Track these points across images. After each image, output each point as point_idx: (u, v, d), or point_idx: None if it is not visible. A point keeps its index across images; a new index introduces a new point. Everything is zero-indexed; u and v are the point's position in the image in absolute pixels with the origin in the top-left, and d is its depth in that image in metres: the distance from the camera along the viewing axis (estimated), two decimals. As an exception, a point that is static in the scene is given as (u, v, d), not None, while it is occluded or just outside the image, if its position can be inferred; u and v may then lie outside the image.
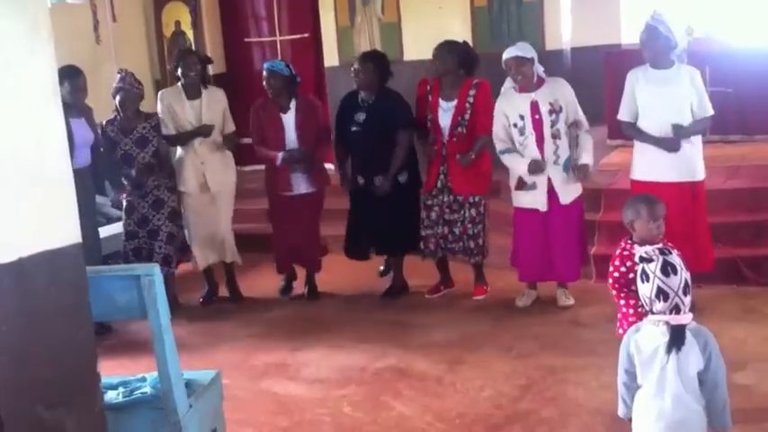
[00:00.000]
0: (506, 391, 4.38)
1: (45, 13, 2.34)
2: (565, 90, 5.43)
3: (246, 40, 9.35)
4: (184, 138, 6.07)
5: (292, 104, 6.02)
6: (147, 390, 3.19)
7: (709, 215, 5.28)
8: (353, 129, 5.91)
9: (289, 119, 6.01)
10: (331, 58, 8.89)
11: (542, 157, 5.38)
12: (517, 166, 5.46)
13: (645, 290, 2.80)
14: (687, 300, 2.76)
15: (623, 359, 2.89)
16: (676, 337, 2.73)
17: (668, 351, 2.73)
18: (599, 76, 7.58)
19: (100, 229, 6.37)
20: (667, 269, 2.75)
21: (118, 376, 3.38)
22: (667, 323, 2.75)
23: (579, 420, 4.00)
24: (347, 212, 6.17)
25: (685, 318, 2.75)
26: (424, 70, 6.05)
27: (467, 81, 5.70)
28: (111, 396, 3.15)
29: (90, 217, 5.56)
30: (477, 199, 5.77)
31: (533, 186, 5.43)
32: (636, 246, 3.50)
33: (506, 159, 5.51)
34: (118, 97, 5.85)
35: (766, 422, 3.88)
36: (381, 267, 6.44)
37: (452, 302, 5.93)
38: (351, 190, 6.09)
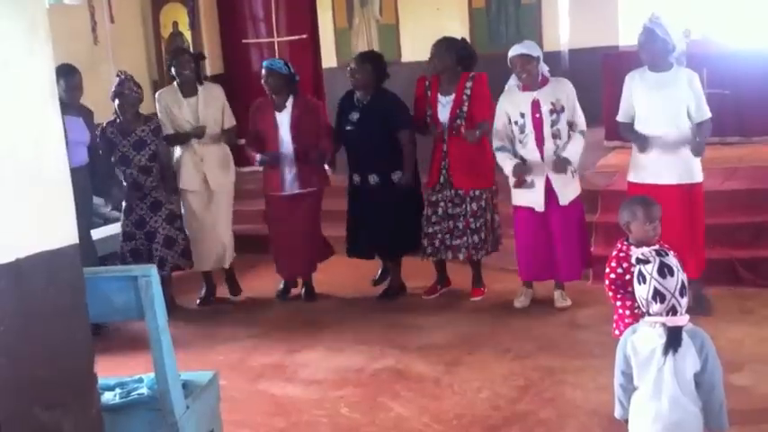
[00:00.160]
0: (504, 392, 4.38)
1: (43, 13, 2.34)
2: (568, 90, 5.43)
3: (244, 41, 9.35)
4: (181, 138, 6.08)
5: (289, 103, 6.02)
6: (144, 391, 3.19)
7: (707, 216, 5.28)
8: (348, 128, 5.95)
9: (284, 117, 6.01)
10: (329, 59, 8.90)
11: (541, 156, 5.39)
12: (504, 166, 5.48)
13: (641, 291, 2.80)
14: (684, 301, 2.76)
15: (620, 361, 2.90)
16: (673, 339, 2.73)
17: (665, 353, 2.74)
18: (597, 77, 7.59)
19: (98, 230, 6.38)
20: (664, 271, 2.76)
21: (115, 377, 3.38)
22: (664, 325, 2.75)
23: (577, 422, 4.00)
24: (346, 213, 6.17)
25: (682, 319, 2.76)
26: (421, 71, 6.06)
27: (464, 75, 5.72)
28: (108, 397, 3.15)
29: (86, 217, 5.56)
30: (477, 193, 5.76)
31: (531, 185, 5.44)
32: (632, 247, 3.50)
33: (498, 157, 5.53)
34: (117, 101, 5.85)
35: (763, 423, 3.89)
36: (378, 273, 6.37)
37: (450, 304, 5.93)
38: (348, 190, 6.09)
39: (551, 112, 5.37)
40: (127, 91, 5.83)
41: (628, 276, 3.40)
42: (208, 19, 9.29)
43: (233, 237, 6.30)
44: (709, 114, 5.07)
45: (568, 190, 5.45)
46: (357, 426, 4.16)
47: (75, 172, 2.53)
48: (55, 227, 2.33)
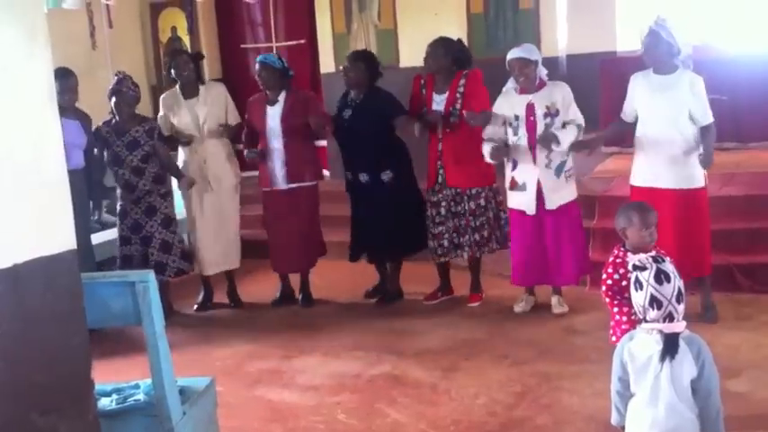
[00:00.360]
0: (501, 398, 4.38)
1: (42, 17, 2.35)
2: (563, 93, 5.43)
3: (243, 46, 9.36)
4: (171, 141, 6.12)
5: (281, 97, 6.03)
6: (141, 397, 3.19)
7: (705, 222, 5.29)
8: (342, 126, 6.00)
9: (274, 111, 6.02)
10: (327, 64, 8.90)
11: (534, 159, 5.40)
12: (485, 153, 5.47)
13: (638, 298, 2.80)
14: (680, 308, 2.76)
15: (617, 367, 2.90)
16: (670, 346, 2.73)
17: (662, 359, 2.74)
18: (594, 83, 7.59)
19: (96, 235, 6.38)
20: (660, 277, 2.76)
21: (111, 383, 3.37)
22: (661, 331, 2.75)
23: (573, 428, 4.00)
24: (348, 217, 6.21)
25: (679, 326, 2.76)
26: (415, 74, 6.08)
27: (458, 73, 5.74)
28: (105, 403, 3.15)
29: (83, 221, 5.55)
30: (475, 191, 5.77)
31: (524, 188, 5.45)
32: (629, 253, 3.51)
33: (483, 147, 5.52)
34: (113, 99, 5.85)
35: (760, 429, 3.89)
36: (373, 285, 6.35)
37: (447, 309, 5.93)
38: (346, 189, 6.13)
39: (545, 115, 5.38)
40: (125, 89, 5.84)
41: (624, 282, 3.40)
42: (206, 24, 9.30)
43: (238, 239, 6.31)
44: (710, 119, 5.05)
45: (557, 195, 5.44)
46: None
47: (71, 175, 2.53)
48: (53, 232, 2.33)
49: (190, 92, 6.14)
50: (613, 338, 3.64)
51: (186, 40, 9.19)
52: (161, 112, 6.21)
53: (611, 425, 3.04)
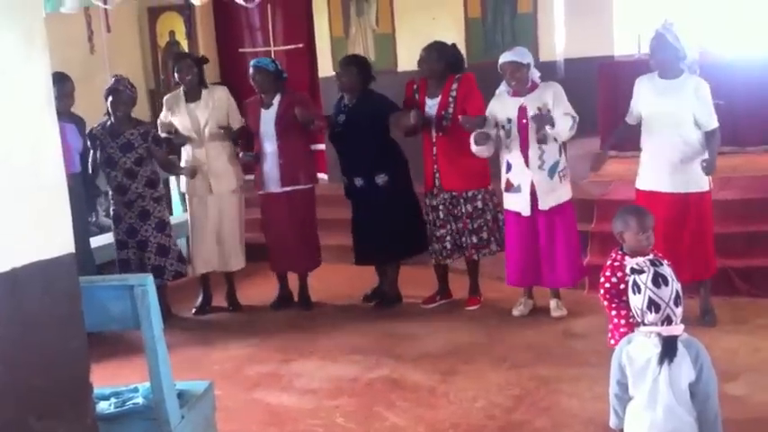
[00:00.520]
0: (500, 401, 4.38)
1: (40, 21, 2.35)
2: (555, 90, 5.41)
3: (241, 50, 9.37)
4: (168, 144, 6.13)
5: (276, 100, 6.04)
6: (140, 400, 3.19)
7: (703, 225, 5.30)
8: (337, 131, 6.03)
9: (269, 114, 6.03)
10: (325, 68, 8.91)
11: (526, 161, 5.40)
12: (471, 140, 5.45)
13: (636, 301, 2.81)
14: (678, 311, 2.77)
15: (615, 370, 2.90)
16: (668, 349, 2.73)
17: (660, 362, 2.74)
18: (592, 87, 7.60)
19: (95, 239, 6.39)
20: (658, 280, 2.76)
21: (110, 387, 3.37)
22: (659, 335, 2.76)
23: (572, 431, 4.00)
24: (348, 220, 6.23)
25: (677, 329, 2.76)
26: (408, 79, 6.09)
27: (450, 77, 5.75)
28: (103, 407, 3.15)
29: (81, 224, 5.55)
30: (471, 194, 5.78)
31: (518, 189, 5.46)
32: (627, 257, 3.51)
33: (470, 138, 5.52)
34: (110, 98, 5.85)
35: (758, 433, 3.90)
36: (371, 288, 6.36)
37: (446, 312, 5.94)
38: (345, 195, 6.14)
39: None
40: (121, 87, 5.84)
41: (622, 286, 3.41)
42: (204, 28, 9.31)
43: (241, 242, 6.31)
44: (715, 124, 5.05)
45: (550, 196, 5.45)
46: (352, 435, 4.16)
47: (68, 179, 2.53)
48: (51, 235, 2.32)
49: (192, 95, 6.15)
50: (612, 342, 3.65)
51: (184, 44, 9.19)
52: (163, 116, 6.23)
53: (609, 428, 3.04)
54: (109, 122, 5.90)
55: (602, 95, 7.50)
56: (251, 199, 6.86)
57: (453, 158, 5.72)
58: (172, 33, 9.29)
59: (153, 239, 5.94)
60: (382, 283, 6.26)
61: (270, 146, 6.03)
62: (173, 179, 7.34)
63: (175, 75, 6.17)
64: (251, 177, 6.36)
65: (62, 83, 5.61)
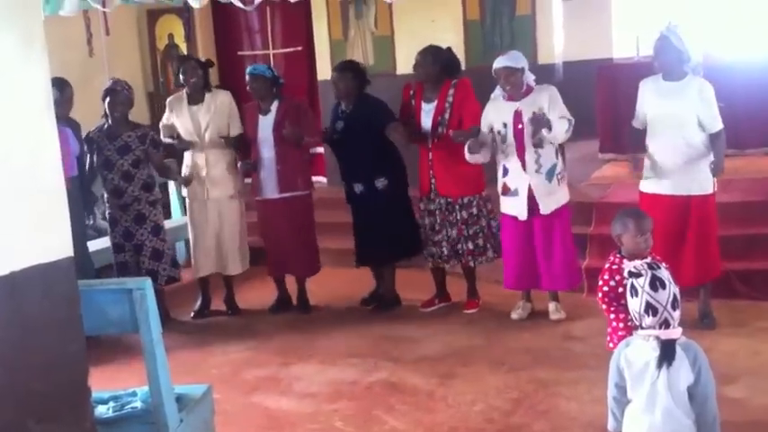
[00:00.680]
0: (498, 404, 4.38)
1: (39, 24, 2.35)
2: (550, 92, 5.41)
3: (240, 53, 9.36)
4: (168, 148, 6.12)
5: (273, 107, 6.04)
6: (138, 404, 3.19)
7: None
8: (335, 137, 6.03)
9: (266, 121, 6.03)
10: (324, 71, 8.88)
11: (523, 165, 5.40)
12: (465, 149, 5.45)
13: (634, 305, 2.81)
14: (676, 314, 2.77)
15: (613, 373, 2.90)
16: (666, 352, 2.73)
17: (659, 366, 2.74)
18: (591, 89, 7.60)
19: (94, 242, 6.38)
20: (656, 284, 2.76)
21: (108, 390, 3.37)
22: (657, 338, 2.76)
23: (571, 434, 4.01)
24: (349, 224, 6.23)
25: (675, 332, 2.76)
26: (405, 83, 6.10)
27: (446, 82, 5.75)
28: (102, 411, 3.15)
29: (79, 228, 5.54)
30: (467, 200, 5.78)
31: (515, 193, 5.46)
32: (625, 260, 3.51)
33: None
34: (107, 99, 5.84)
35: (757, 436, 3.90)
36: (369, 291, 6.35)
37: (444, 316, 5.93)
38: (346, 200, 6.13)
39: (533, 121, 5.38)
40: (119, 88, 5.85)
41: (621, 289, 3.40)
42: (203, 31, 9.30)
43: (242, 247, 6.30)
44: (720, 126, 5.05)
45: (550, 199, 5.45)
46: (351, 439, 4.16)
47: (66, 182, 2.53)
48: (50, 239, 2.32)
49: (195, 98, 6.15)
50: (610, 345, 3.64)
51: (183, 47, 9.19)
52: (166, 117, 6.23)
53: (608, 431, 3.04)
54: (106, 125, 5.90)
55: (601, 98, 7.50)
56: (248, 203, 6.86)
57: (449, 165, 5.72)
58: (171, 36, 9.29)
59: (148, 243, 5.94)
60: (379, 286, 6.25)
61: (267, 152, 6.03)
62: (173, 183, 7.34)
63: (180, 77, 6.18)
64: (249, 181, 6.36)
65: (63, 89, 5.61)
